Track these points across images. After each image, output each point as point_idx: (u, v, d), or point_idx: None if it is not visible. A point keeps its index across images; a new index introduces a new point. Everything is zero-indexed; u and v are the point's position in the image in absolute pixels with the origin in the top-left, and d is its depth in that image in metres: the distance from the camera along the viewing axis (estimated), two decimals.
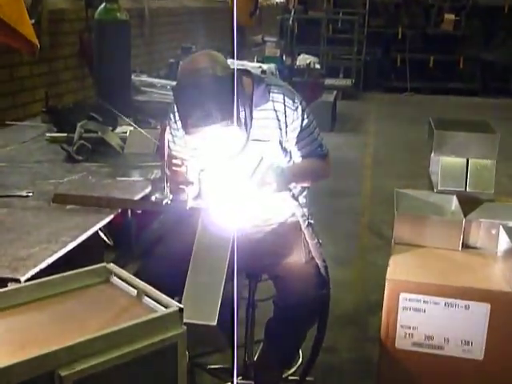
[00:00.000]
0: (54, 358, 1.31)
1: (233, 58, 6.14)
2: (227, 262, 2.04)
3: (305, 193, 2.56)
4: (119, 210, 2.34)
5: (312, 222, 2.56)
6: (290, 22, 10.57)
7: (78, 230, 2.10)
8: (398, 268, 2.04)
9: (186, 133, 2.21)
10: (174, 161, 2.18)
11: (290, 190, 2.35)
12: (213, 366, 2.82)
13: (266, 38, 9.03)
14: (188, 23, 7.08)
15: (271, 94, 2.38)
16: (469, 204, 2.37)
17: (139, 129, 3.18)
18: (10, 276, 1.76)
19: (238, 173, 2.25)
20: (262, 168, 2.21)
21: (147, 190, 2.49)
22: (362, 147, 7.53)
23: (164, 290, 1.59)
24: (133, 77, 4.50)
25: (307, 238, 2.38)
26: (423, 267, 2.06)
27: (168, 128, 2.40)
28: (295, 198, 2.38)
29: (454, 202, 2.37)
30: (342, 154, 6.87)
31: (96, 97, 4.11)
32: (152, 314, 1.50)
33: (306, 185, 2.53)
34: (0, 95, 3.89)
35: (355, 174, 6.32)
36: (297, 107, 2.40)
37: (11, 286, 1.67)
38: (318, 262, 2.33)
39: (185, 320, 1.51)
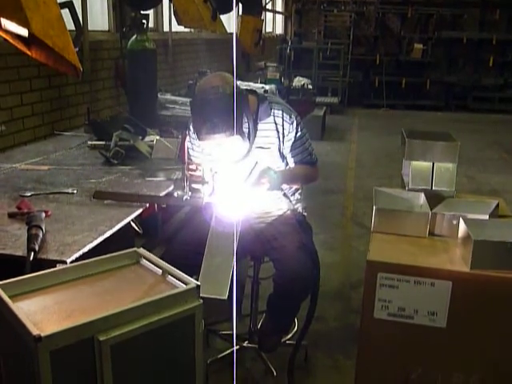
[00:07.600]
0: (93, 326, 1.31)
1: (241, 80, 6.14)
2: (236, 247, 2.04)
3: (299, 191, 2.55)
4: (147, 205, 2.33)
5: (305, 214, 2.56)
6: (288, 50, 10.55)
7: (114, 221, 2.09)
8: (376, 252, 2.03)
9: (199, 139, 2.21)
10: (191, 166, 2.18)
11: (282, 190, 2.36)
12: (224, 332, 2.82)
13: (268, 64, 9.00)
14: (204, 51, 7.06)
15: (273, 110, 2.38)
16: (434, 200, 2.36)
17: (163, 139, 3.18)
18: (58, 258, 1.76)
19: (240, 174, 2.27)
20: (257, 170, 2.23)
21: (170, 188, 2.49)
22: (346, 153, 7.51)
23: (184, 269, 1.59)
24: (158, 95, 4.49)
25: (300, 228, 2.38)
26: (397, 251, 2.05)
27: (187, 137, 2.40)
28: (287, 196, 2.39)
29: (422, 198, 2.36)
30: (330, 159, 6.88)
31: (128, 112, 4.11)
32: (174, 289, 1.50)
33: (296, 186, 2.52)
34: (50, 110, 3.89)
35: (341, 175, 6.30)
36: (293, 121, 2.39)
37: (59, 267, 1.68)
38: (310, 247, 2.33)
39: (201, 294, 1.51)
